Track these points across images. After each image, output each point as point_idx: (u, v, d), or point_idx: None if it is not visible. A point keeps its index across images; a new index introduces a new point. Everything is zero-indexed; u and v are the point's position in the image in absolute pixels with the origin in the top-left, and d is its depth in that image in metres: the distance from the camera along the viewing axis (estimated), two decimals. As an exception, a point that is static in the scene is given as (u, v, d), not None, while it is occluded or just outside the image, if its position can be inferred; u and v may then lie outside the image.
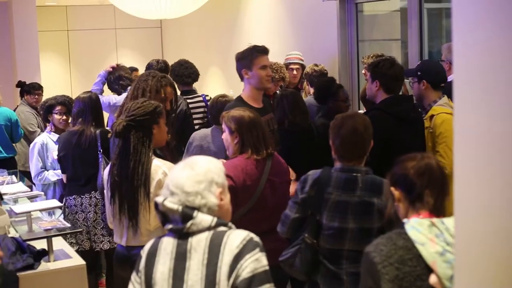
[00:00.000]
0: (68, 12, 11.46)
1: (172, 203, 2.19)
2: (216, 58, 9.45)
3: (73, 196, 4.79)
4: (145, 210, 3.27)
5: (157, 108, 3.37)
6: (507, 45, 1.38)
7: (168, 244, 2.23)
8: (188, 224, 2.18)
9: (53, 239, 3.76)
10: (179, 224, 2.19)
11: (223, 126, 3.54)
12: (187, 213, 2.17)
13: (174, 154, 3.95)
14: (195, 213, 2.18)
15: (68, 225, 3.95)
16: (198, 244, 2.18)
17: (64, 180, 4.96)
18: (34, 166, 5.30)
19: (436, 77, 4.22)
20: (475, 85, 1.47)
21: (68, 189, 4.89)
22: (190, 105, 5.84)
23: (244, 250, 2.14)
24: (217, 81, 9.42)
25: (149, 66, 6.14)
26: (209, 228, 2.19)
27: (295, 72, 6.21)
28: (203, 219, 2.18)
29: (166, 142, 3.77)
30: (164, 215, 2.23)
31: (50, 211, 4.39)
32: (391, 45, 7.08)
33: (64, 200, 4.82)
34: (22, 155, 7.13)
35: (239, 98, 4.22)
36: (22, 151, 7.12)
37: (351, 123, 3.12)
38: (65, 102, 5.33)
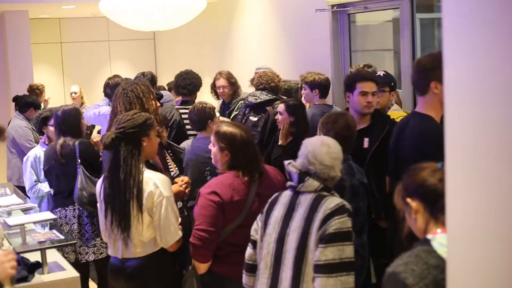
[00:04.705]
0: (62, 25, 11.46)
1: (292, 167, 2.90)
2: (209, 69, 9.45)
3: (58, 209, 4.80)
4: (138, 222, 3.26)
5: (147, 121, 3.34)
6: (497, 54, 1.40)
7: (285, 197, 2.94)
8: (300, 185, 2.85)
9: (47, 251, 3.76)
10: (295, 183, 2.87)
11: (212, 140, 3.42)
12: (301, 177, 2.85)
13: (165, 161, 3.93)
14: (307, 178, 2.84)
15: (62, 237, 3.94)
16: (304, 201, 2.84)
17: (52, 193, 4.98)
18: (28, 179, 5.30)
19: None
20: (465, 95, 1.48)
21: (54, 202, 4.92)
22: (183, 115, 5.87)
23: (335, 212, 2.74)
24: (210, 92, 9.42)
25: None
26: (315, 191, 2.83)
27: None
28: (310, 184, 2.84)
29: (159, 152, 3.76)
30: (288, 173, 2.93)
31: (43, 223, 4.37)
32: (383, 55, 7.11)
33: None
34: (16, 170, 7.02)
35: (424, 116, 3.41)
36: (17, 166, 7.00)
37: (345, 119, 3.61)
38: None
